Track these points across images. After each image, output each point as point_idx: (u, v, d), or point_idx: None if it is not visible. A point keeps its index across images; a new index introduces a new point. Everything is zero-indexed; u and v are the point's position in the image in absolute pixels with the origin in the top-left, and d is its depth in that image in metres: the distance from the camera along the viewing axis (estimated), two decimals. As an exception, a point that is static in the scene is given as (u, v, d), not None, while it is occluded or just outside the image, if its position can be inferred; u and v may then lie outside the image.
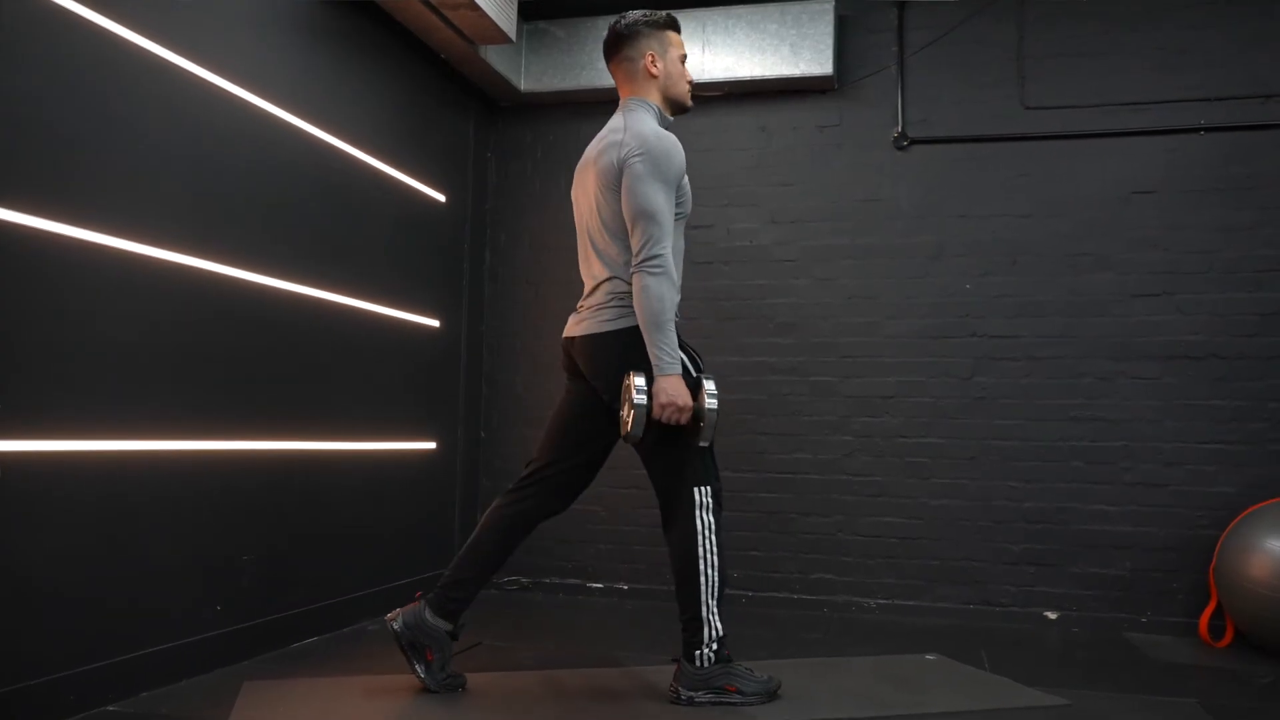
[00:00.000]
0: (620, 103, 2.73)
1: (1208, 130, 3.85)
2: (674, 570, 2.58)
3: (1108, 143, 3.94)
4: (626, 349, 2.53)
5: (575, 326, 2.67)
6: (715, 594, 2.53)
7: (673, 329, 2.49)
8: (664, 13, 2.73)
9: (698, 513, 2.54)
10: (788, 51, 4.11)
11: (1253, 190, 3.80)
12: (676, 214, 2.58)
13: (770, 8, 4.13)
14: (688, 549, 2.53)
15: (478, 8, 3.54)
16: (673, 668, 2.63)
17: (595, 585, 4.32)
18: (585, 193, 2.68)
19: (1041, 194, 3.99)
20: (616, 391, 2.55)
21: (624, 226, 2.55)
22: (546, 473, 2.69)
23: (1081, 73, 3.97)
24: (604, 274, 2.61)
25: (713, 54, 4.19)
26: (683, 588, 2.55)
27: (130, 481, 2.53)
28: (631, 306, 2.53)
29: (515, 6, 3.83)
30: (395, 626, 2.60)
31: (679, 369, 2.47)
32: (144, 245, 2.55)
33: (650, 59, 2.68)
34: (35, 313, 2.27)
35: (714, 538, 2.54)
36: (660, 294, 2.46)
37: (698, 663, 2.53)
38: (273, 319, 3.08)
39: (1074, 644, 3.54)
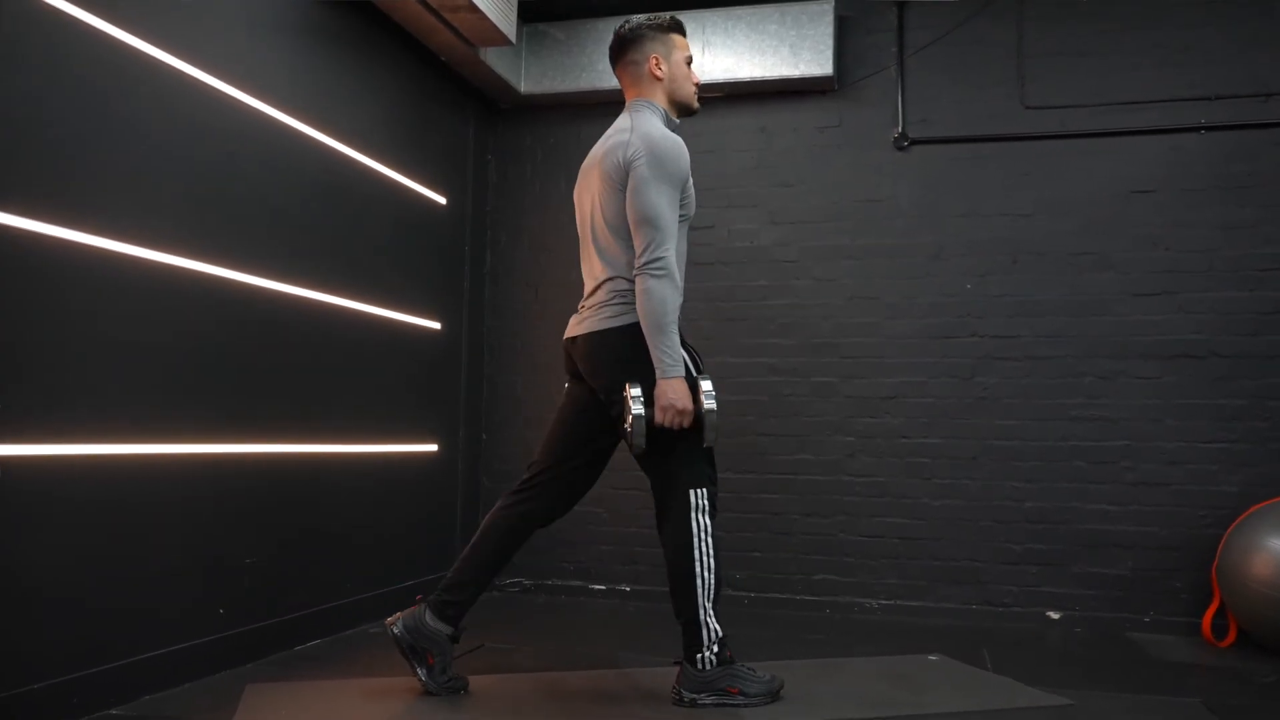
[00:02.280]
0: (626, 104, 2.73)
1: (1208, 129, 3.85)
2: (669, 573, 2.57)
3: (1108, 142, 3.94)
4: (626, 346, 2.53)
5: (576, 326, 2.67)
6: (711, 596, 2.53)
7: (675, 331, 2.48)
8: (668, 15, 2.73)
9: (693, 515, 2.53)
10: (787, 52, 4.11)
11: (1253, 189, 3.80)
12: (680, 216, 2.58)
13: (770, 9, 4.13)
14: (683, 551, 2.53)
15: (477, 10, 3.54)
16: (675, 670, 2.62)
17: (597, 587, 4.31)
18: (589, 191, 2.68)
19: (1042, 193, 3.99)
20: (615, 389, 2.55)
21: (626, 226, 2.55)
22: (548, 475, 2.69)
23: (1081, 72, 3.97)
24: (605, 273, 2.61)
25: (713, 55, 4.19)
26: (678, 590, 2.55)
27: (132, 484, 2.53)
28: (632, 304, 2.53)
29: (515, 8, 3.83)
30: (395, 630, 2.59)
31: (681, 371, 2.47)
32: (144, 248, 2.55)
33: (655, 61, 2.68)
34: (35, 316, 2.27)
35: (709, 539, 2.53)
36: (663, 296, 2.46)
37: (699, 665, 2.53)
38: (273, 321, 3.08)
39: (1076, 644, 3.54)
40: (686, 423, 2.46)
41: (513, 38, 3.83)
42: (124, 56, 2.50)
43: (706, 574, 2.52)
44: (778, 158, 4.28)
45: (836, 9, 4.09)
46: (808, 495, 4.10)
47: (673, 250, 2.50)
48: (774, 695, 2.57)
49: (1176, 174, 3.87)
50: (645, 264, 2.47)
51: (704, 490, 2.55)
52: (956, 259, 4.05)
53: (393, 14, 3.62)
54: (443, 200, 4.16)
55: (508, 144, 4.61)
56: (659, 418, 2.45)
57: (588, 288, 2.69)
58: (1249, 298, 3.77)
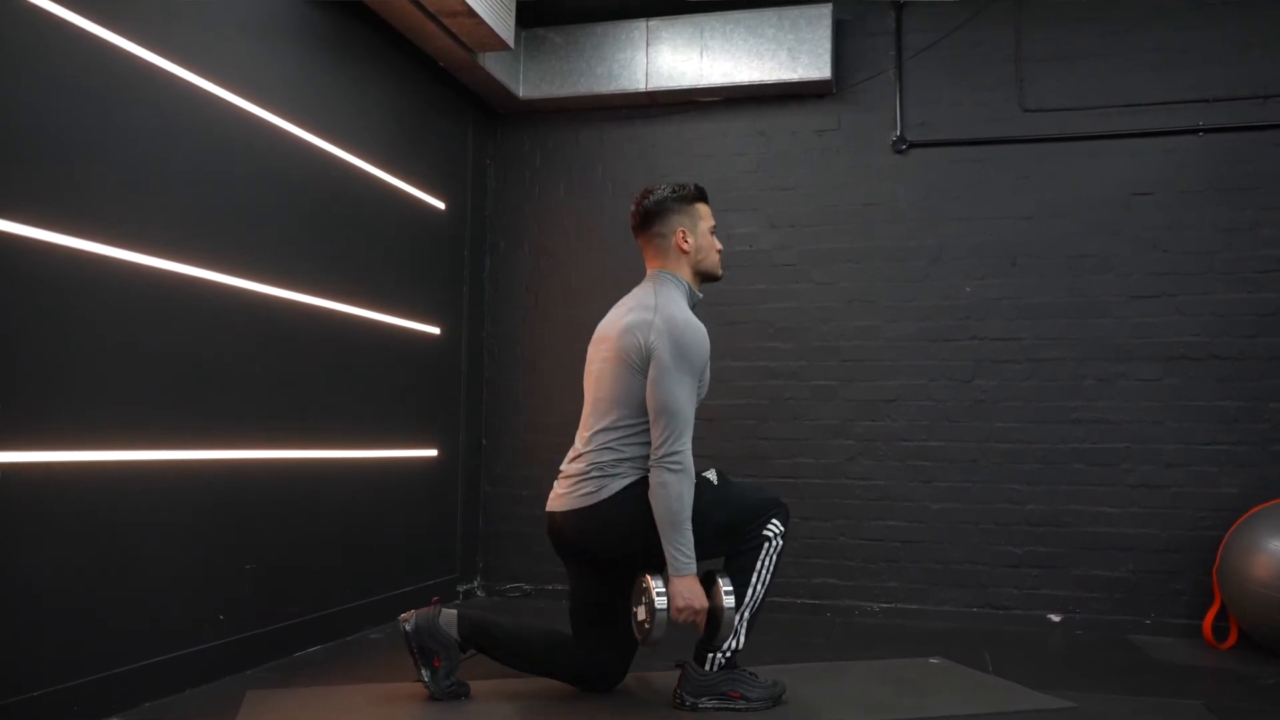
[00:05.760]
0: (648, 273, 2.70)
1: (1206, 131, 3.85)
2: (724, 563, 2.58)
3: (1107, 144, 3.94)
4: (605, 520, 2.53)
5: (556, 501, 2.65)
6: (754, 609, 2.55)
7: (689, 528, 2.45)
8: (691, 185, 2.70)
9: (770, 536, 2.56)
10: (786, 56, 4.11)
11: (1252, 190, 3.80)
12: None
13: (768, 12, 4.13)
14: (749, 556, 2.54)
15: (476, 15, 3.54)
16: (676, 673, 2.62)
17: (598, 591, 4.30)
18: (599, 357, 2.65)
19: (1041, 196, 3.99)
20: (608, 550, 2.58)
21: (629, 401, 2.54)
22: (598, 658, 2.70)
23: (1080, 75, 3.98)
24: (588, 444, 2.60)
25: (711, 59, 4.19)
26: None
27: (131, 491, 2.53)
28: (607, 475, 2.54)
29: (513, 13, 3.83)
30: (407, 628, 2.59)
31: (694, 569, 2.46)
32: (143, 255, 2.55)
33: (681, 235, 2.65)
34: (35, 322, 2.27)
35: (776, 557, 2.56)
36: (680, 492, 2.44)
37: (707, 665, 2.53)
38: (273, 327, 3.08)
39: (1078, 646, 3.53)
40: (701, 621, 2.48)
41: (511, 43, 3.83)
42: (122, 63, 2.50)
43: (760, 586, 2.54)
44: (776, 161, 4.28)
45: (834, 12, 4.09)
46: (808, 499, 4.10)
47: (689, 443, 2.48)
48: (776, 700, 2.57)
49: (1175, 176, 3.87)
50: (662, 457, 2.45)
51: (778, 517, 2.58)
52: (956, 262, 4.05)
53: (391, 19, 3.62)
54: (442, 205, 4.16)
55: (507, 149, 4.61)
56: (675, 616, 2.45)
57: (574, 449, 2.67)
58: (1248, 299, 3.77)
